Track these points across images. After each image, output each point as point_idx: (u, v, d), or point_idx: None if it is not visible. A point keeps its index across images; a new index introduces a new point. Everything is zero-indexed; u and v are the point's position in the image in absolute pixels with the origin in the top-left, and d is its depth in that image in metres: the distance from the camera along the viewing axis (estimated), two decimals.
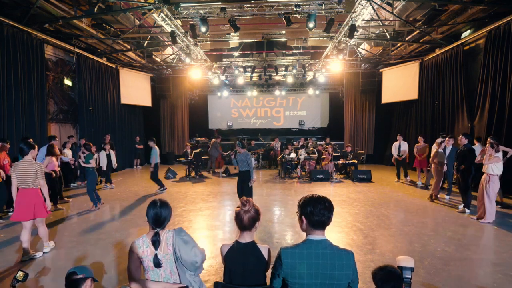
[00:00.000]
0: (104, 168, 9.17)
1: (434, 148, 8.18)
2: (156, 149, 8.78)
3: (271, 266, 2.03)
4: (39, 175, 4.37)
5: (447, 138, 7.90)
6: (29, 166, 4.32)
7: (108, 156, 9.35)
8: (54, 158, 7.08)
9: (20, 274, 2.09)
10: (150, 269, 2.20)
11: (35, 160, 4.61)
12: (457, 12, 8.87)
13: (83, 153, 7.78)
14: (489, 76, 8.42)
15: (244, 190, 6.37)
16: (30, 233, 4.43)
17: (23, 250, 4.35)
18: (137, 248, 2.18)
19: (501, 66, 7.97)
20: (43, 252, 4.53)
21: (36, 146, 4.71)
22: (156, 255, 2.15)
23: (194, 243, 2.23)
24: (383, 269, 1.78)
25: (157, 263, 2.15)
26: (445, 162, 7.63)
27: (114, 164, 9.63)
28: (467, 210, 6.53)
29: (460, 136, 6.78)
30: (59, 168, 7.48)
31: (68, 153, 8.76)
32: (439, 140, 8.15)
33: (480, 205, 6.04)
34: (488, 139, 6.01)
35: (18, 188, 4.33)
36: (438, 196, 7.80)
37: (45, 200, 4.51)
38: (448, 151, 7.74)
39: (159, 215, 2.18)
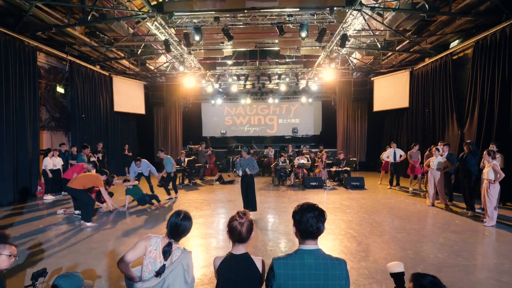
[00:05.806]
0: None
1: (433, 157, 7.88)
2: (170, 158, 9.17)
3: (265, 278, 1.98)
4: None
5: (442, 145, 8.04)
6: None
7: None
8: None
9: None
10: (147, 272, 2.14)
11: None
12: (445, 22, 9.12)
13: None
14: (477, 84, 8.62)
15: (249, 192, 6.95)
16: None
17: None
18: (149, 245, 2.15)
19: (488, 75, 8.18)
20: None
21: None
22: (164, 265, 2.08)
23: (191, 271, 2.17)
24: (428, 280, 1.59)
25: (159, 273, 2.05)
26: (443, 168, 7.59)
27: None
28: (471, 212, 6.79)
29: (465, 144, 7.06)
30: None
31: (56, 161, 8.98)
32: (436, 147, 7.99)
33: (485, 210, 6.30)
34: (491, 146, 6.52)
35: None
36: (433, 203, 7.83)
37: None
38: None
39: (178, 226, 2.15)
